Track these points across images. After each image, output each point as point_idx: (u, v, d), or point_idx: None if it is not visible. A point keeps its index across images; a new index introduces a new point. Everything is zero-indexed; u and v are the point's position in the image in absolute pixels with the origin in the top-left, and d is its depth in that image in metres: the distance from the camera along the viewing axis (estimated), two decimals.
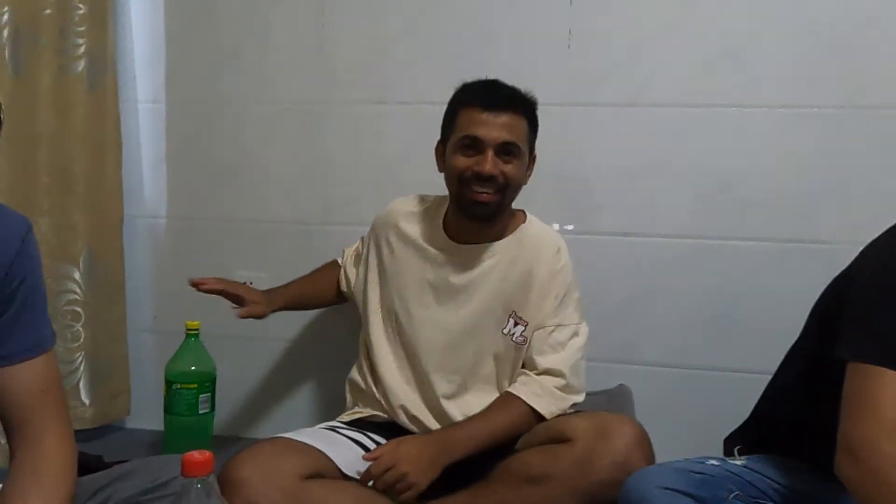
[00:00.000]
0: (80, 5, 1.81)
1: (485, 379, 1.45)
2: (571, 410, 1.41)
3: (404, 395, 1.45)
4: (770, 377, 1.35)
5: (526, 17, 1.82)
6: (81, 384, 1.88)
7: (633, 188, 1.80)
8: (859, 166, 1.70)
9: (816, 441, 1.13)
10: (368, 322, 1.51)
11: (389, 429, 1.45)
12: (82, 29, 1.82)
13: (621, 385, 1.77)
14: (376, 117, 1.89)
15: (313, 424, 1.49)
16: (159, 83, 1.99)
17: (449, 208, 1.49)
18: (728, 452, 1.30)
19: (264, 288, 1.96)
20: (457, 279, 1.45)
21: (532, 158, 1.47)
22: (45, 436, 0.93)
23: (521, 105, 1.41)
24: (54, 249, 1.82)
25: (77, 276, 1.85)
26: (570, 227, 1.80)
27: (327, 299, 1.67)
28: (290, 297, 1.61)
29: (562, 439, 1.27)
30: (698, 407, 1.78)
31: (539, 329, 1.44)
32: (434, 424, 1.43)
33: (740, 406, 1.37)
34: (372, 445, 1.39)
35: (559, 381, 1.40)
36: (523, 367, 1.45)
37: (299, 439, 1.29)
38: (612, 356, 1.81)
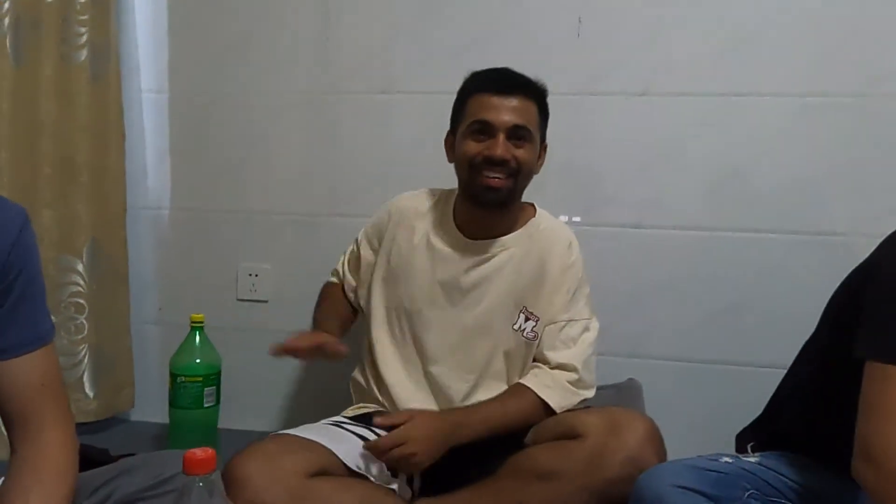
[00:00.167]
0: None
1: (495, 376, 1.44)
2: (581, 406, 1.40)
3: (411, 395, 1.43)
4: (781, 371, 1.33)
5: (534, 4, 1.80)
6: (85, 377, 1.87)
7: (644, 179, 1.78)
8: (875, 156, 1.68)
9: (832, 438, 1.12)
10: (371, 323, 1.49)
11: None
12: (85, 17, 1.80)
13: (631, 379, 1.75)
14: (383, 107, 1.87)
15: (319, 417, 1.47)
16: (163, 73, 1.97)
17: (458, 201, 1.47)
18: (741, 449, 1.29)
19: (269, 281, 1.96)
20: (469, 277, 1.43)
21: (543, 147, 1.45)
22: (46, 431, 0.92)
23: (531, 90, 1.40)
24: (57, 241, 1.81)
25: (80, 267, 1.84)
26: (577, 219, 1.78)
27: (351, 317, 1.59)
28: (337, 332, 1.49)
29: (572, 435, 1.26)
30: (708, 401, 1.77)
31: (550, 325, 1.42)
32: None
33: (751, 400, 1.35)
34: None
35: (572, 376, 1.39)
36: (534, 362, 1.44)
37: (304, 435, 1.27)
38: (621, 350, 1.79)
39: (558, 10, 1.78)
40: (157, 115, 1.99)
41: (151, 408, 1.97)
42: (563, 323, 1.42)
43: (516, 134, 1.36)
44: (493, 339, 1.43)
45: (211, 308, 1.83)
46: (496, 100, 1.36)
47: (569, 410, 1.36)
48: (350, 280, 1.57)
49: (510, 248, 1.44)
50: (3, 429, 0.93)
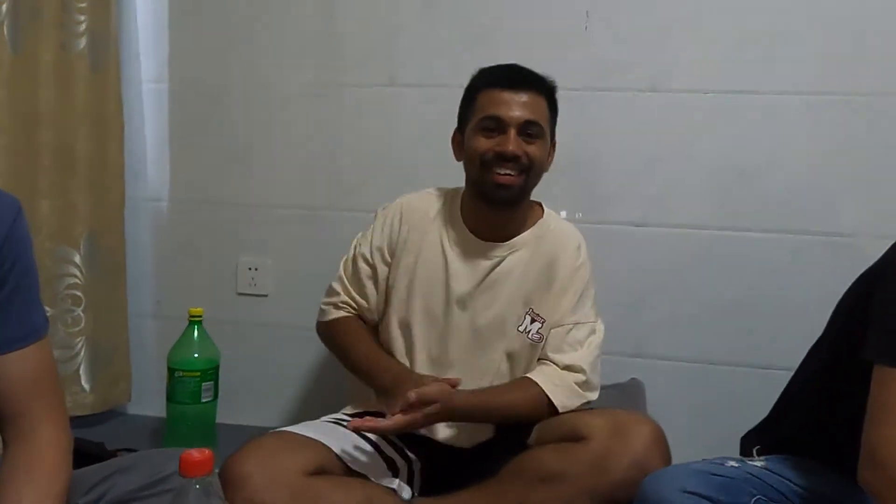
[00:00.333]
0: None
1: (500, 377, 1.42)
2: (585, 407, 1.38)
3: None
4: (786, 373, 1.32)
5: None
6: (82, 369, 1.86)
7: (650, 176, 1.77)
8: (885, 157, 1.66)
9: (839, 442, 1.11)
10: (384, 329, 1.45)
11: None
12: (84, 5, 1.78)
13: (633, 379, 1.74)
14: (387, 100, 1.85)
15: (318, 412, 1.46)
16: (163, 62, 1.95)
17: (465, 200, 1.44)
18: (746, 452, 1.27)
19: (269, 275, 1.94)
20: (482, 280, 1.41)
21: (553, 144, 1.43)
22: (40, 427, 0.90)
23: (541, 86, 1.38)
24: (54, 232, 1.79)
25: (77, 259, 1.83)
26: (579, 215, 1.76)
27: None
28: (399, 362, 1.42)
29: (576, 437, 1.24)
30: (712, 402, 1.76)
31: (557, 327, 1.40)
32: (449, 429, 1.39)
33: (755, 402, 1.35)
34: (378, 439, 1.35)
35: (579, 377, 1.37)
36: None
37: (303, 433, 1.26)
38: (623, 349, 1.78)
39: (566, 4, 1.76)
40: (157, 106, 1.97)
41: (148, 401, 1.96)
42: (569, 326, 1.40)
43: (527, 130, 1.34)
44: (506, 342, 1.41)
45: (210, 302, 1.82)
46: (507, 95, 1.34)
47: (572, 411, 1.34)
48: (365, 303, 1.46)
49: (520, 249, 1.42)
50: None
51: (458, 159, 1.43)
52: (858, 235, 1.66)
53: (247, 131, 1.93)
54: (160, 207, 1.99)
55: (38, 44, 1.71)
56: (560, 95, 1.44)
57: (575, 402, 1.36)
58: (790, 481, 1.16)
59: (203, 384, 1.70)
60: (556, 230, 1.45)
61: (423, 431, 1.36)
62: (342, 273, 1.48)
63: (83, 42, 1.78)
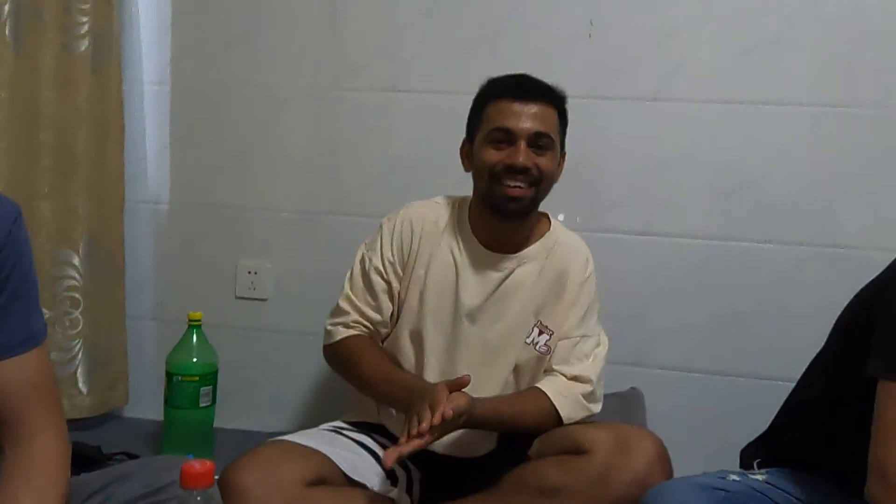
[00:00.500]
0: None
1: (505, 390, 1.40)
2: (588, 420, 1.37)
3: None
4: (787, 384, 1.31)
5: (545, 4, 1.77)
6: (79, 372, 1.85)
7: (652, 185, 1.76)
8: (889, 168, 1.66)
9: (841, 456, 1.10)
10: (394, 343, 1.43)
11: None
12: (86, 7, 1.77)
13: (633, 388, 1.74)
14: (388, 105, 1.85)
15: (317, 416, 1.46)
16: (165, 65, 1.95)
17: (473, 211, 1.43)
18: (746, 465, 1.27)
19: (269, 279, 1.93)
20: (492, 293, 1.40)
21: (562, 155, 1.42)
22: (37, 433, 0.90)
23: (552, 96, 1.36)
24: (54, 234, 1.79)
25: (76, 261, 1.82)
26: (577, 220, 1.75)
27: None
28: (416, 378, 1.38)
29: (578, 450, 1.24)
30: (712, 412, 1.75)
31: (564, 340, 1.40)
32: (450, 442, 1.37)
33: (755, 413, 1.34)
34: (378, 448, 1.34)
35: (586, 388, 1.37)
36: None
37: (302, 442, 1.25)
38: (623, 358, 1.77)
39: (569, 12, 1.75)
40: (158, 108, 1.96)
41: (146, 405, 1.95)
42: (577, 339, 1.39)
43: (537, 142, 1.33)
44: (513, 354, 1.40)
45: (209, 305, 1.81)
46: (517, 106, 1.32)
47: (575, 423, 1.34)
48: (379, 317, 1.42)
49: (530, 261, 1.41)
50: None
51: (467, 170, 1.41)
52: (862, 247, 1.65)
53: (247, 134, 1.92)
54: (160, 210, 1.98)
55: (40, 45, 1.71)
56: None
57: (580, 414, 1.35)
58: (792, 495, 1.15)
59: (201, 389, 1.69)
60: (564, 242, 1.44)
61: None
62: (349, 291, 1.43)
63: (85, 44, 1.78)
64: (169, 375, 1.70)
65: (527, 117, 1.32)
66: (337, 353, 1.42)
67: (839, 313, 1.21)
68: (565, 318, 1.39)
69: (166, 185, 1.97)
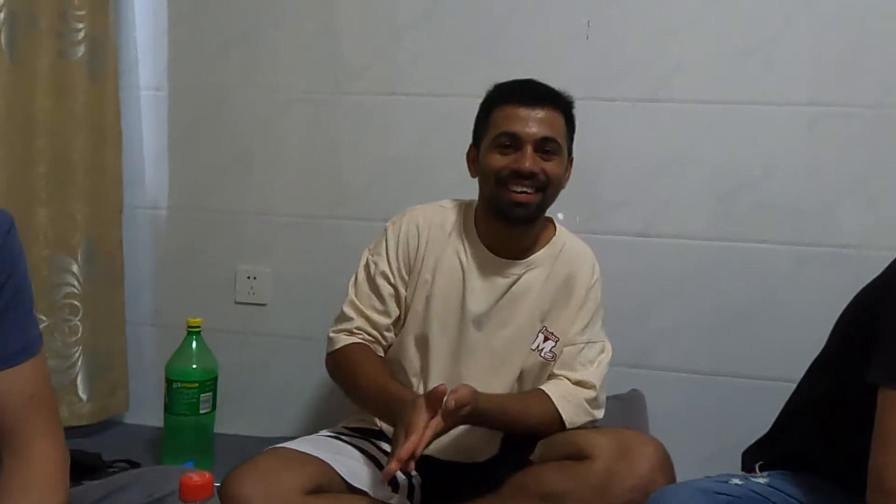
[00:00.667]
0: None
1: None
2: (590, 425, 1.37)
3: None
4: (788, 385, 1.30)
5: (543, 6, 1.76)
6: (79, 379, 1.84)
7: (651, 187, 1.76)
8: (888, 168, 1.65)
9: (842, 458, 1.09)
10: (399, 349, 1.42)
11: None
12: (82, 13, 1.77)
13: (634, 390, 1.73)
14: (387, 107, 1.84)
15: (317, 421, 1.45)
16: (162, 70, 1.94)
17: (480, 216, 1.41)
18: (748, 467, 1.26)
19: (268, 283, 1.93)
20: (498, 299, 1.39)
21: (570, 160, 1.41)
22: (35, 443, 0.89)
23: (559, 101, 1.36)
24: (52, 240, 1.78)
25: (75, 268, 1.81)
26: (577, 219, 1.74)
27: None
28: (407, 391, 1.34)
29: (580, 456, 1.23)
30: (713, 414, 1.75)
31: (569, 346, 1.39)
32: (451, 448, 1.37)
33: (757, 414, 1.33)
34: (378, 454, 1.34)
35: (590, 394, 1.37)
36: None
37: (301, 449, 1.24)
38: (624, 360, 1.75)
39: (567, 13, 1.75)
40: (156, 114, 1.96)
41: (146, 411, 1.94)
42: (582, 345, 1.39)
43: (544, 147, 1.32)
44: (519, 360, 1.39)
45: (208, 311, 1.80)
46: (523, 111, 1.31)
47: (577, 428, 1.34)
48: (387, 320, 1.40)
49: (537, 267, 1.40)
50: None
51: (473, 175, 1.41)
52: (861, 247, 1.65)
53: (246, 139, 1.92)
54: (158, 215, 1.98)
55: (36, 52, 1.70)
56: None
57: (583, 419, 1.35)
58: (794, 498, 1.14)
59: (201, 395, 1.68)
60: (570, 247, 1.43)
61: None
62: (354, 297, 1.40)
63: (81, 50, 1.77)
64: (168, 382, 1.69)
65: (533, 122, 1.31)
66: (337, 362, 1.39)
67: (839, 313, 1.20)
68: (571, 324, 1.39)
69: (164, 189, 1.97)
